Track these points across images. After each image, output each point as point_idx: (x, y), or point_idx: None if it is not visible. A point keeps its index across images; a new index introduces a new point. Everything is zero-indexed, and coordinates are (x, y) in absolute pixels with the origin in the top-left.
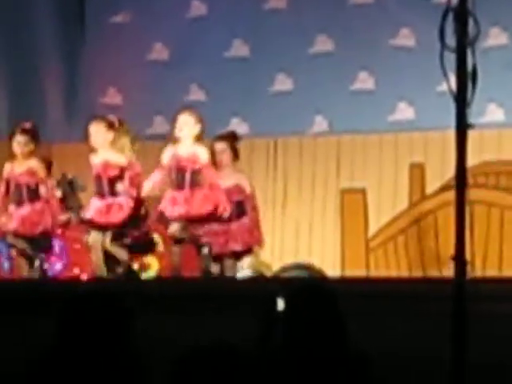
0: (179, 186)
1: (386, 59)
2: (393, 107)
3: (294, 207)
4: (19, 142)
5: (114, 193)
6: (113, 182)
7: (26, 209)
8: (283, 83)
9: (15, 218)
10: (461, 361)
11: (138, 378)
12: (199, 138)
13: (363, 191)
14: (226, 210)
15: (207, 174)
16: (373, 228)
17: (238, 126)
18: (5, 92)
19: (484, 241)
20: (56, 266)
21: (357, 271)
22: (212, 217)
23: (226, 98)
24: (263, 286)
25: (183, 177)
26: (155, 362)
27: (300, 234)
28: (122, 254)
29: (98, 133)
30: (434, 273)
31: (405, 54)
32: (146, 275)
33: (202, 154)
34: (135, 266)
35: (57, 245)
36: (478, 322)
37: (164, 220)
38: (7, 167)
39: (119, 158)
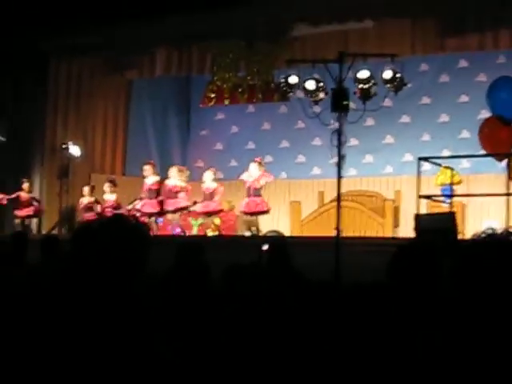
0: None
1: (310, 150)
2: (312, 169)
3: None
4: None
5: (176, 196)
6: None
7: None
8: (269, 159)
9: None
10: None
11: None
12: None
13: (299, 202)
14: None
15: None
16: None
17: None
18: (157, 157)
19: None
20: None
21: None
22: None
23: None
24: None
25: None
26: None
27: None
28: None
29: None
30: None
31: (317, 148)
32: None
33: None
34: None
35: None
36: None
37: None
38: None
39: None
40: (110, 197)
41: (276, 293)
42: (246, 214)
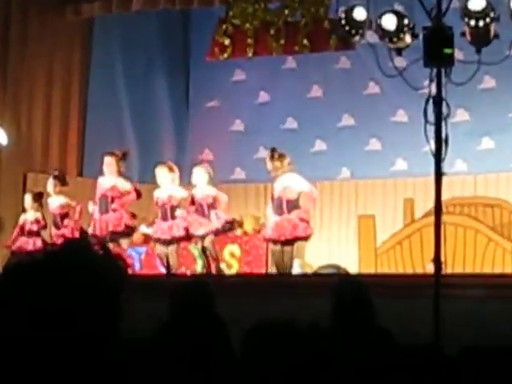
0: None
1: (388, 130)
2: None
3: None
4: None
5: (173, 217)
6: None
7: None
8: (320, 146)
9: None
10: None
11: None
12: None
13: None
14: None
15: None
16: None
17: None
18: (136, 147)
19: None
20: None
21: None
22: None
23: None
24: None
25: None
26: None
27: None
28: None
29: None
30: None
31: (401, 127)
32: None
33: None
34: None
35: None
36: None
37: None
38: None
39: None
40: (54, 201)
41: (346, 371)
42: (275, 242)
